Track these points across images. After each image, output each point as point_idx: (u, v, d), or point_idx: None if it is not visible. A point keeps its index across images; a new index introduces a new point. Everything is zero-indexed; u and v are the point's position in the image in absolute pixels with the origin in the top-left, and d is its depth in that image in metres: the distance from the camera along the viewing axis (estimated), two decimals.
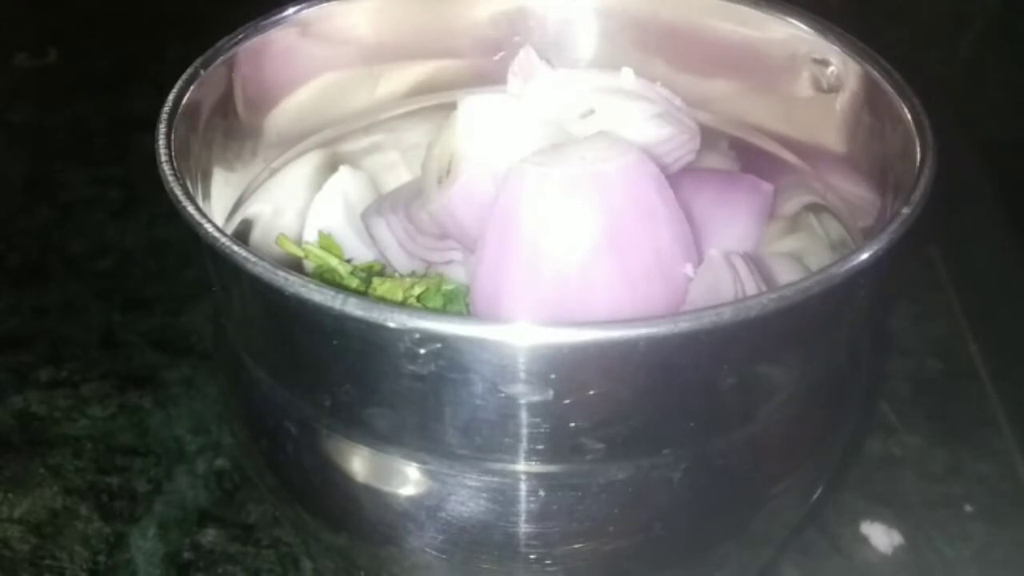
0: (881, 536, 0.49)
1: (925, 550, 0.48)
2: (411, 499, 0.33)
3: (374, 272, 0.42)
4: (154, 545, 0.49)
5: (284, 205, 0.44)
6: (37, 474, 0.52)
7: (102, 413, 0.55)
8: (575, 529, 0.33)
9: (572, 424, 0.30)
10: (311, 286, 0.28)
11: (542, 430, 0.30)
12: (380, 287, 0.39)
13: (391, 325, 0.28)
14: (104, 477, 0.52)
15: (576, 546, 0.33)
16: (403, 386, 0.30)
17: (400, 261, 0.43)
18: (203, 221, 0.31)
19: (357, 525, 0.35)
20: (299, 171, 0.45)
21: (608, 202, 0.33)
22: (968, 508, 0.50)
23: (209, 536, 0.49)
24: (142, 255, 0.66)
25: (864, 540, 0.49)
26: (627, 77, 0.42)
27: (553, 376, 0.28)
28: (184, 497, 0.51)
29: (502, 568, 0.34)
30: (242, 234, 0.41)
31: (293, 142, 0.45)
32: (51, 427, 0.55)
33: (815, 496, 0.39)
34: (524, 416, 0.30)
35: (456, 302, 0.39)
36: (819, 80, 0.42)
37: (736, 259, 0.35)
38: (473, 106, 0.39)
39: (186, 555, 0.48)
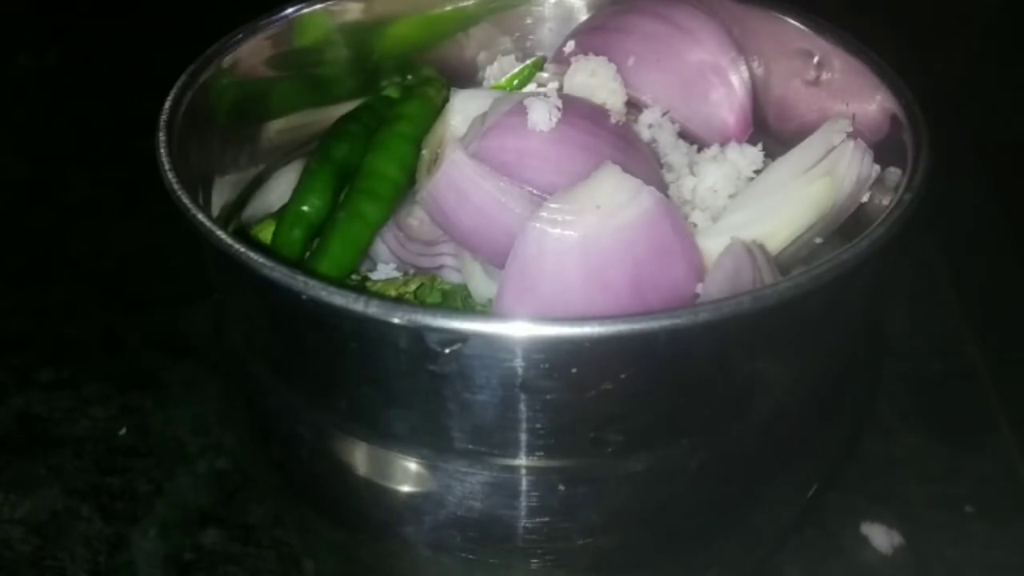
0: (881, 536, 0.49)
1: (925, 550, 0.48)
2: (425, 496, 0.33)
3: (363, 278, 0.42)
4: (155, 546, 0.49)
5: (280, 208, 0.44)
6: (38, 475, 0.52)
7: (103, 414, 0.56)
8: (596, 521, 0.33)
9: (593, 417, 0.30)
10: (331, 289, 0.28)
11: (563, 424, 0.31)
12: (372, 288, 0.39)
13: (412, 325, 0.28)
14: (105, 478, 0.52)
15: (597, 537, 0.34)
16: (422, 386, 0.30)
17: (391, 268, 0.43)
18: (215, 229, 0.31)
19: (366, 523, 0.35)
20: (294, 175, 0.45)
21: (631, 255, 0.33)
22: (968, 508, 0.50)
23: (210, 537, 0.49)
24: (143, 256, 0.66)
25: (864, 540, 0.49)
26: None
27: (575, 370, 0.29)
28: (185, 498, 0.51)
29: (517, 563, 0.34)
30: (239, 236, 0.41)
31: (289, 145, 0.45)
32: (52, 428, 0.55)
33: (827, 475, 0.40)
34: (546, 411, 0.30)
35: (453, 299, 0.39)
36: (814, 76, 0.42)
37: (755, 248, 0.35)
38: (465, 99, 0.39)
39: (187, 556, 0.48)
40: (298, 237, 0.39)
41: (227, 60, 0.40)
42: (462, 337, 0.28)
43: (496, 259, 0.36)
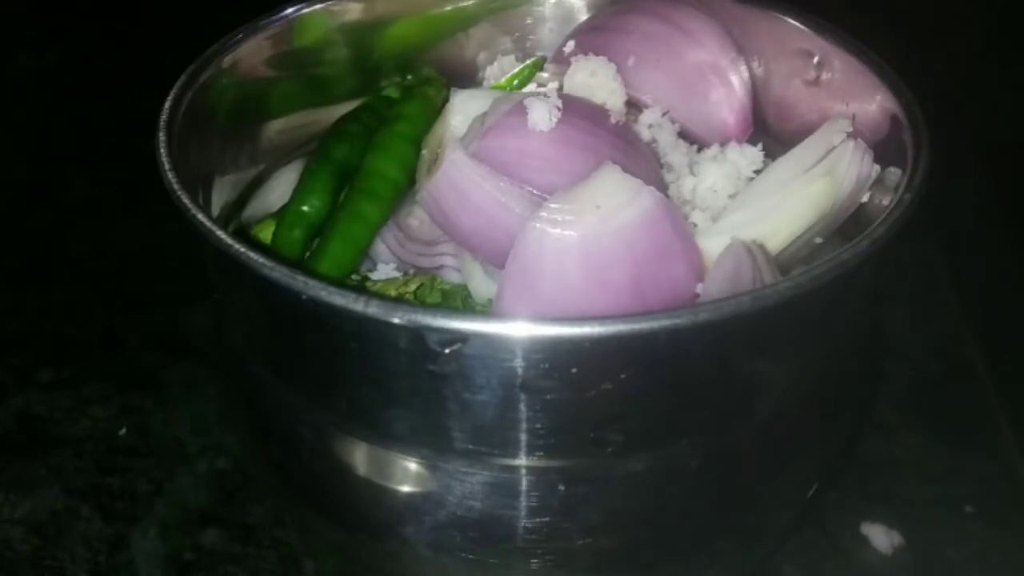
0: (881, 536, 0.49)
1: (925, 550, 0.48)
2: (425, 496, 0.33)
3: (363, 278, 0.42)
4: (155, 546, 0.49)
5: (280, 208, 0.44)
6: (38, 475, 0.52)
7: (103, 414, 0.56)
8: (596, 521, 0.33)
9: (593, 417, 0.30)
10: (331, 289, 0.28)
11: (563, 424, 0.31)
12: (372, 288, 0.40)
13: (412, 325, 0.28)
14: (105, 478, 0.52)
15: (597, 537, 0.34)
16: (422, 386, 0.30)
17: (391, 268, 0.43)
18: (215, 229, 0.31)
19: (366, 523, 0.35)
20: (294, 175, 0.45)
21: (631, 255, 0.33)
22: (968, 508, 0.50)
23: (210, 537, 0.49)
24: (143, 256, 0.66)
25: (864, 540, 0.49)
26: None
27: (575, 370, 0.29)
28: (185, 498, 0.51)
29: (517, 563, 0.34)
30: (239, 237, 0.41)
31: (289, 145, 0.45)
32: (52, 428, 0.55)
33: (827, 475, 0.40)
34: (546, 411, 0.30)
35: (453, 299, 0.39)
36: (814, 76, 0.42)
37: (755, 248, 0.35)
38: (465, 99, 0.39)
39: (187, 556, 0.48)
40: (298, 237, 0.39)
41: (227, 60, 0.40)
42: (462, 337, 0.28)
43: (496, 259, 0.36)
